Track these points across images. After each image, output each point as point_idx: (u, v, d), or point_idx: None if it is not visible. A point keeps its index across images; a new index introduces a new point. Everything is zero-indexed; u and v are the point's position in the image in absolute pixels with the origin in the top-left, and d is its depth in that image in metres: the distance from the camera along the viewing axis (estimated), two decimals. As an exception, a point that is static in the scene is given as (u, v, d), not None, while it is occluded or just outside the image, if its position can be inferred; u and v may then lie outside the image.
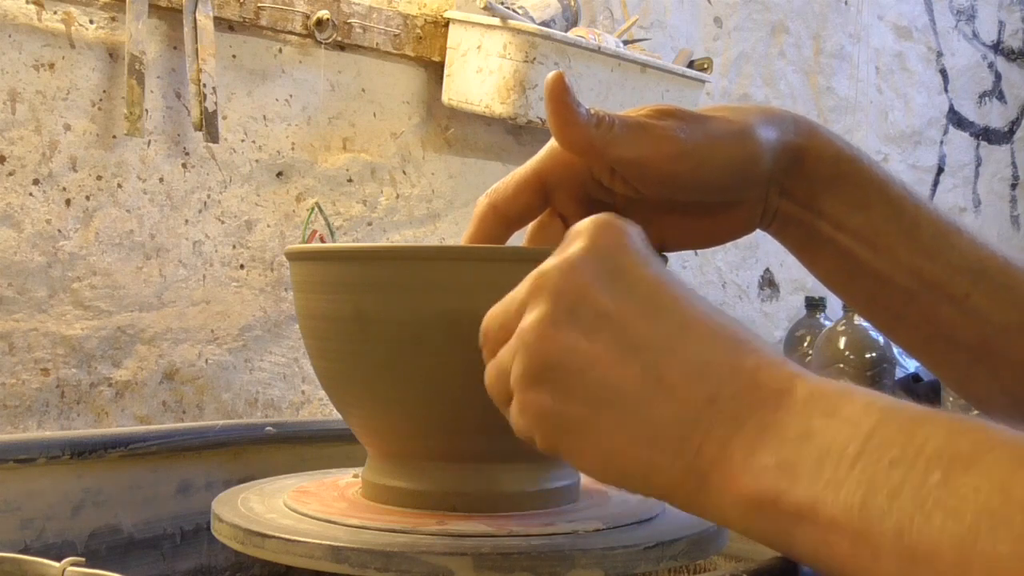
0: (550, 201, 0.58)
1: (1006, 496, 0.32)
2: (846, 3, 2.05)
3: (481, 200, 0.58)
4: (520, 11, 1.33)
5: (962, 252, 0.57)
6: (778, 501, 0.38)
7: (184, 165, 1.15)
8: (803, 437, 0.38)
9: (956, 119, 2.33)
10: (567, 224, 0.56)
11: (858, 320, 1.51)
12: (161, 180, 1.13)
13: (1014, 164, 2.48)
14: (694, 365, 0.41)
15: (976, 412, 0.60)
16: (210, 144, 1.15)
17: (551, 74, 0.52)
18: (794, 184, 0.56)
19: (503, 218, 0.58)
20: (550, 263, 0.45)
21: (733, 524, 0.40)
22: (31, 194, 1.05)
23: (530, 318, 0.44)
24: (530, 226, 0.59)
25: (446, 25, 1.35)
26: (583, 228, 0.45)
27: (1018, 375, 0.56)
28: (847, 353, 1.51)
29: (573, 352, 0.42)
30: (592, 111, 0.52)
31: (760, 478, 0.38)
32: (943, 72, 2.29)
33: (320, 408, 1.26)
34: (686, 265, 1.77)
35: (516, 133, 1.47)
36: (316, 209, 1.25)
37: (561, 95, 0.52)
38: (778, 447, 0.38)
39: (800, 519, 0.37)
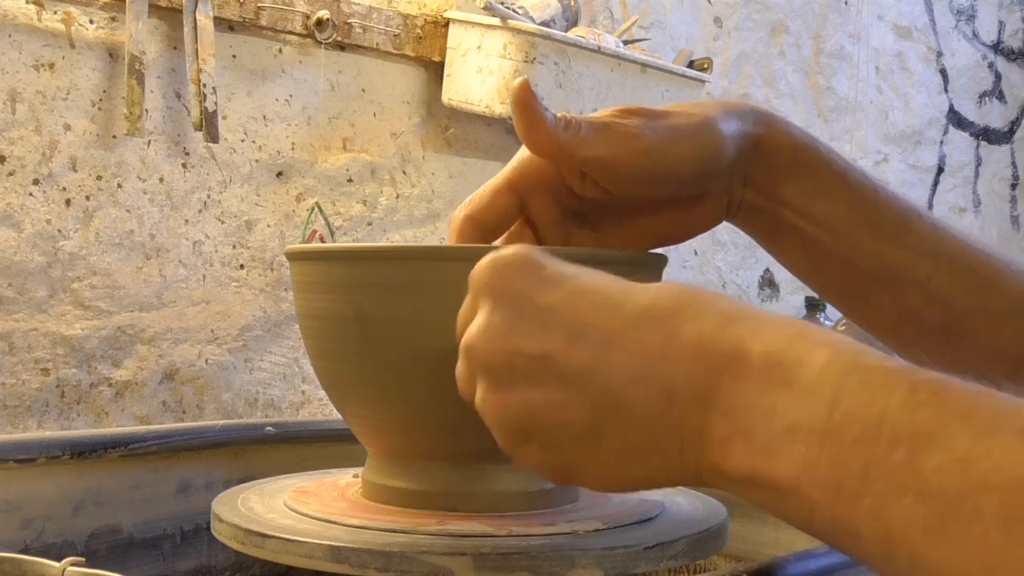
0: (524, 209, 0.59)
1: (966, 475, 0.32)
2: (846, 3, 2.05)
3: (457, 213, 0.59)
4: (520, 11, 1.33)
5: (922, 235, 0.58)
6: (767, 479, 0.38)
7: (184, 165, 1.15)
8: (768, 413, 0.38)
9: (956, 119, 2.33)
10: (538, 232, 0.58)
11: None
12: (161, 180, 1.13)
13: (1014, 164, 2.48)
14: (637, 370, 0.41)
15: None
16: (210, 144, 1.15)
17: (516, 81, 0.54)
18: (756, 173, 0.57)
19: (480, 227, 0.58)
20: (472, 335, 0.45)
21: (742, 498, 0.41)
22: (31, 194, 1.05)
23: (479, 394, 0.45)
24: (502, 237, 0.60)
25: (446, 25, 1.35)
26: (482, 284, 0.46)
27: (984, 356, 0.57)
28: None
29: (529, 407, 0.43)
30: (559, 115, 0.53)
31: (742, 459, 0.39)
32: (943, 72, 2.29)
33: (320, 408, 1.26)
34: (687, 265, 1.77)
35: (516, 133, 1.47)
36: (316, 209, 1.25)
37: (527, 100, 0.54)
38: (748, 429, 0.38)
39: (788, 494, 0.37)
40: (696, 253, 1.78)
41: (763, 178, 0.58)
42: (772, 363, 0.39)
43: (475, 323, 0.45)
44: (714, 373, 0.40)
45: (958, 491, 0.32)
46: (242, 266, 1.20)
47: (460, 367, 0.47)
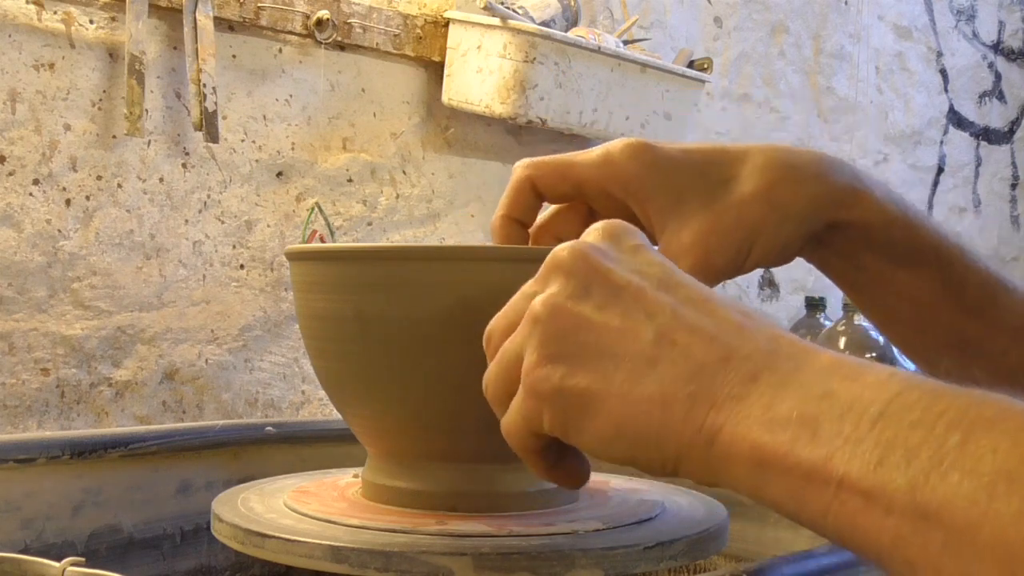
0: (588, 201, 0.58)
1: (1018, 450, 0.32)
2: (846, 3, 2.05)
3: (520, 169, 0.58)
4: (520, 11, 1.33)
5: (1007, 309, 0.56)
6: (789, 456, 0.37)
7: (184, 165, 1.15)
8: (824, 396, 0.37)
9: (956, 119, 2.33)
10: (588, 215, 0.58)
11: (858, 320, 1.51)
12: (161, 180, 1.13)
13: (1014, 164, 2.48)
14: (708, 330, 0.41)
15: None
16: (210, 144, 1.15)
17: None
18: (839, 241, 0.57)
19: (538, 195, 0.58)
20: (563, 248, 0.45)
21: (741, 485, 0.40)
22: (31, 194, 1.05)
23: (543, 296, 0.44)
24: (546, 213, 0.60)
25: (446, 25, 1.35)
26: (595, 225, 0.47)
27: None
28: (847, 352, 1.51)
29: (586, 323, 0.43)
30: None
31: (775, 432, 0.38)
32: (943, 72, 2.29)
33: (320, 408, 1.26)
34: (686, 265, 1.77)
35: (516, 133, 1.47)
36: (316, 209, 1.25)
37: None
38: (798, 402, 0.38)
39: (811, 477, 0.37)
40: (696, 253, 1.78)
41: (845, 247, 0.57)
42: (838, 363, 0.39)
43: (571, 243, 0.45)
44: (780, 356, 0.40)
45: (1013, 472, 0.32)
46: (242, 266, 1.20)
47: (527, 283, 0.46)
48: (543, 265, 0.45)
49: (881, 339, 1.52)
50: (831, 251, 0.57)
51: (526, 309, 0.45)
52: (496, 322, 0.48)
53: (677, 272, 0.44)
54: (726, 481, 0.41)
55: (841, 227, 0.56)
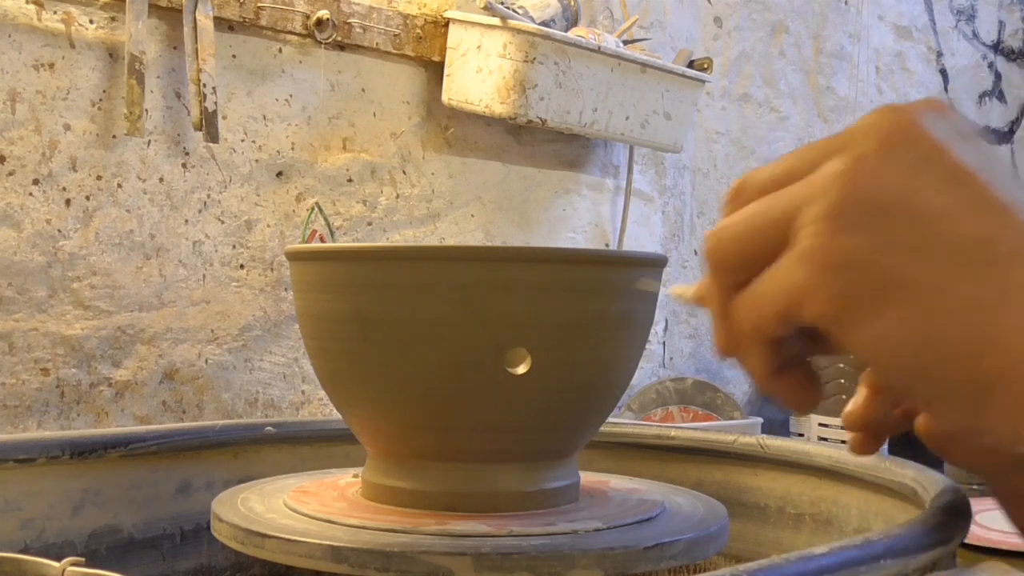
0: None
1: None
2: (846, 3, 2.05)
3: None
4: (520, 11, 1.33)
5: None
6: None
7: (184, 165, 1.15)
8: None
9: (956, 119, 2.33)
10: None
11: None
12: (161, 180, 1.13)
13: (1014, 164, 2.48)
14: None
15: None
16: (210, 144, 1.15)
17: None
18: None
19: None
20: (887, 109, 0.36)
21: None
22: (31, 194, 1.05)
23: (856, 154, 0.35)
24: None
25: (446, 25, 1.35)
26: (919, 100, 0.37)
27: None
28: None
29: (912, 201, 0.34)
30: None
31: None
32: (943, 72, 2.29)
33: (320, 408, 1.26)
34: (686, 265, 1.77)
35: (516, 133, 1.47)
36: (316, 209, 1.25)
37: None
38: None
39: None
40: (696, 253, 1.78)
41: None
42: None
43: (889, 109, 0.36)
44: None
45: None
46: (242, 266, 1.20)
47: (823, 143, 0.37)
48: (852, 127, 0.36)
49: None
50: None
51: (808, 165, 0.36)
52: (758, 174, 0.38)
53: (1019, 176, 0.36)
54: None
55: None
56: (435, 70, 1.36)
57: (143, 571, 0.80)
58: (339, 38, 1.26)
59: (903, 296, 0.33)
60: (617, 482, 0.70)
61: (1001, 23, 2.44)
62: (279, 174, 1.23)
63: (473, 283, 0.55)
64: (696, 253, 1.78)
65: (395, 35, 1.31)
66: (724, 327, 0.38)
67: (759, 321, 0.36)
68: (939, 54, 2.28)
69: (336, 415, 0.67)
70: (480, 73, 1.31)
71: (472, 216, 1.43)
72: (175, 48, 1.13)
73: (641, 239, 1.68)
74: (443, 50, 1.35)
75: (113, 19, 1.09)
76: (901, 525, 0.49)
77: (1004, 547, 0.91)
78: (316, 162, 1.27)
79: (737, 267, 0.37)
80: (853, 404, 0.45)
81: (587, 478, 0.66)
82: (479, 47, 1.31)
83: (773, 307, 0.35)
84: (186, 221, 1.15)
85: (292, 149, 1.24)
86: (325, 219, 1.26)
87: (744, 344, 0.37)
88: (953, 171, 0.34)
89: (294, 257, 0.62)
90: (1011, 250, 0.33)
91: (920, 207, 0.34)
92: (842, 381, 1.47)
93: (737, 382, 1.78)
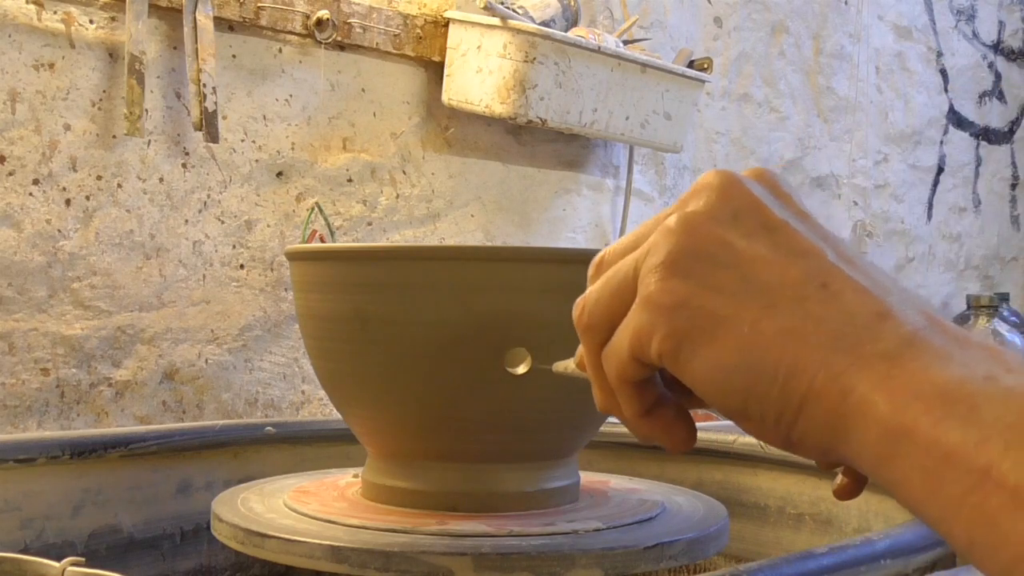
0: None
1: None
2: (846, 3, 2.05)
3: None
4: (520, 11, 1.33)
5: None
6: (935, 430, 0.33)
7: (184, 165, 1.15)
8: (987, 378, 0.34)
9: (956, 119, 2.33)
10: None
11: (990, 324, 1.47)
12: (161, 180, 1.13)
13: (1014, 164, 2.48)
14: (864, 283, 0.38)
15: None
16: (210, 144, 1.15)
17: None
18: None
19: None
20: (713, 172, 0.41)
21: (864, 452, 0.36)
22: (31, 194, 1.05)
23: (682, 212, 0.40)
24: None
25: (446, 25, 1.35)
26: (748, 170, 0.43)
27: None
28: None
29: (730, 248, 0.39)
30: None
31: (924, 400, 0.34)
32: (943, 72, 2.29)
33: (320, 408, 1.26)
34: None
35: (516, 133, 1.47)
36: (316, 209, 1.25)
37: None
38: (957, 376, 0.34)
39: (953, 459, 0.32)
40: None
41: None
42: (1000, 352, 0.36)
43: (719, 171, 0.41)
44: (937, 329, 0.36)
45: None
46: (242, 266, 1.20)
47: (659, 215, 0.41)
48: (690, 190, 0.41)
49: (1019, 343, 1.45)
50: None
51: (651, 233, 0.41)
52: (613, 246, 0.43)
53: (829, 229, 0.40)
54: (847, 444, 0.36)
55: None
56: (435, 70, 1.36)
57: (143, 571, 0.80)
58: (339, 38, 1.26)
59: (721, 332, 0.38)
60: (617, 482, 0.70)
61: (1001, 23, 2.44)
62: (279, 174, 1.23)
63: (473, 283, 0.55)
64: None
65: (395, 35, 1.31)
66: (598, 384, 0.43)
67: (618, 366, 0.41)
68: (939, 54, 2.28)
69: (336, 415, 0.67)
70: (480, 73, 1.31)
71: (472, 216, 1.43)
72: (175, 48, 1.13)
73: (641, 239, 1.68)
74: (443, 50, 1.35)
75: (113, 19, 1.09)
76: (901, 525, 0.49)
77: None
78: (316, 162, 1.27)
79: (602, 327, 0.42)
80: None
81: (587, 478, 0.66)
82: (479, 47, 1.31)
83: (626, 351, 0.40)
84: (186, 221, 1.15)
85: (292, 149, 1.24)
86: (325, 219, 1.26)
87: (614, 392, 0.42)
88: (765, 222, 0.39)
89: (294, 257, 0.62)
90: (819, 286, 0.38)
91: (735, 254, 0.39)
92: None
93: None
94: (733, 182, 0.40)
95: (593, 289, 0.42)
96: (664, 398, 0.43)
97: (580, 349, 0.44)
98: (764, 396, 0.37)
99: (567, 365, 0.47)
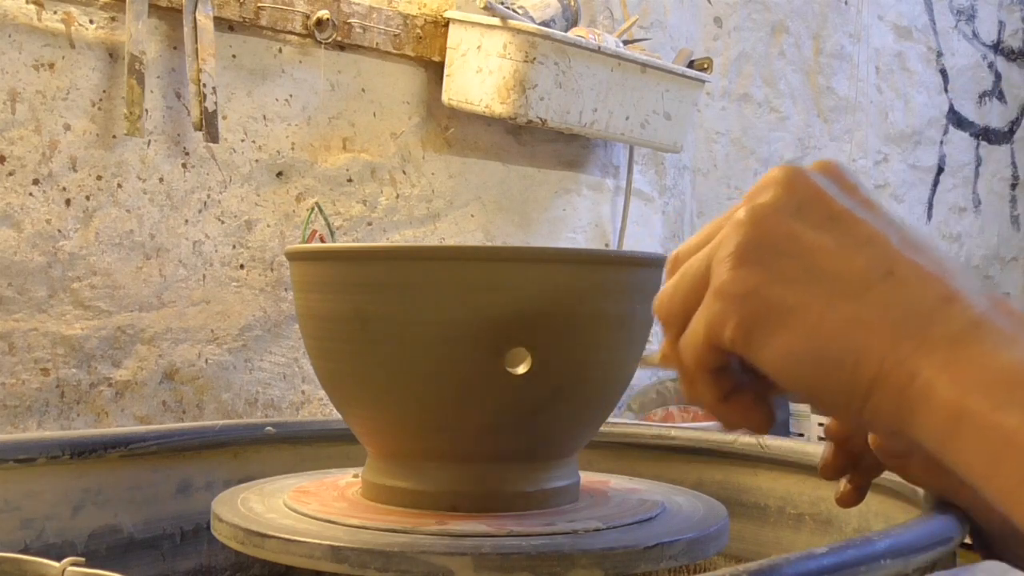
0: None
1: None
2: (846, 3, 2.05)
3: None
4: (520, 11, 1.33)
5: None
6: (998, 413, 0.34)
7: (184, 165, 1.15)
8: None
9: (956, 119, 2.33)
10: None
11: None
12: (161, 180, 1.13)
13: (1014, 164, 2.48)
14: (929, 268, 0.39)
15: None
16: (210, 144, 1.15)
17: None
18: None
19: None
20: (780, 167, 0.43)
21: (929, 434, 0.37)
22: (31, 194, 1.05)
23: (751, 204, 0.42)
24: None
25: (446, 25, 1.35)
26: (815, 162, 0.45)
27: None
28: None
29: (796, 239, 0.40)
30: None
31: (988, 385, 0.35)
32: (943, 72, 2.29)
33: (320, 408, 1.26)
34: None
35: (516, 133, 1.47)
36: (316, 209, 1.25)
37: None
38: (1021, 360, 0.35)
39: (1016, 441, 0.34)
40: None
41: None
42: None
43: (785, 166, 0.43)
44: (1001, 312, 0.37)
45: None
46: (242, 266, 1.20)
47: (732, 210, 0.43)
48: (758, 183, 0.43)
49: None
50: None
51: (720, 228, 0.42)
52: (685, 243, 0.45)
53: (894, 215, 0.42)
54: (913, 427, 0.37)
55: None
56: (435, 70, 1.36)
57: (143, 571, 0.80)
58: (339, 38, 1.26)
59: (791, 320, 0.39)
60: (617, 482, 0.70)
61: (1001, 23, 2.44)
62: (279, 174, 1.23)
63: (473, 283, 0.55)
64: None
65: (395, 35, 1.31)
66: (681, 373, 0.44)
67: (696, 354, 0.42)
68: (939, 54, 2.28)
69: (336, 415, 0.67)
70: (480, 73, 1.31)
71: (472, 216, 1.43)
72: (175, 48, 1.13)
73: (641, 239, 1.68)
74: (443, 50, 1.35)
75: (113, 19, 1.09)
76: (901, 525, 0.49)
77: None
78: (316, 162, 1.27)
79: (679, 319, 0.43)
80: (822, 458, 0.52)
81: (587, 478, 0.66)
82: (479, 47, 1.31)
83: (702, 338, 0.42)
84: (186, 221, 1.15)
85: (292, 149, 1.24)
86: (325, 219, 1.26)
87: (693, 379, 0.43)
88: (829, 213, 0.41)
89: (294, 257, 0.62)
90: (884, 273, 0.39)
91: (801, 245, 0.40)
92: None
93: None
94: (798, 175, 0.42)
95: (670, 284, 0.44)
96: (742, 384, 0.44)
97: (663, 342, 0.46)
98: (833, 382, 0.39)
99: (653, 357, 0.48)
